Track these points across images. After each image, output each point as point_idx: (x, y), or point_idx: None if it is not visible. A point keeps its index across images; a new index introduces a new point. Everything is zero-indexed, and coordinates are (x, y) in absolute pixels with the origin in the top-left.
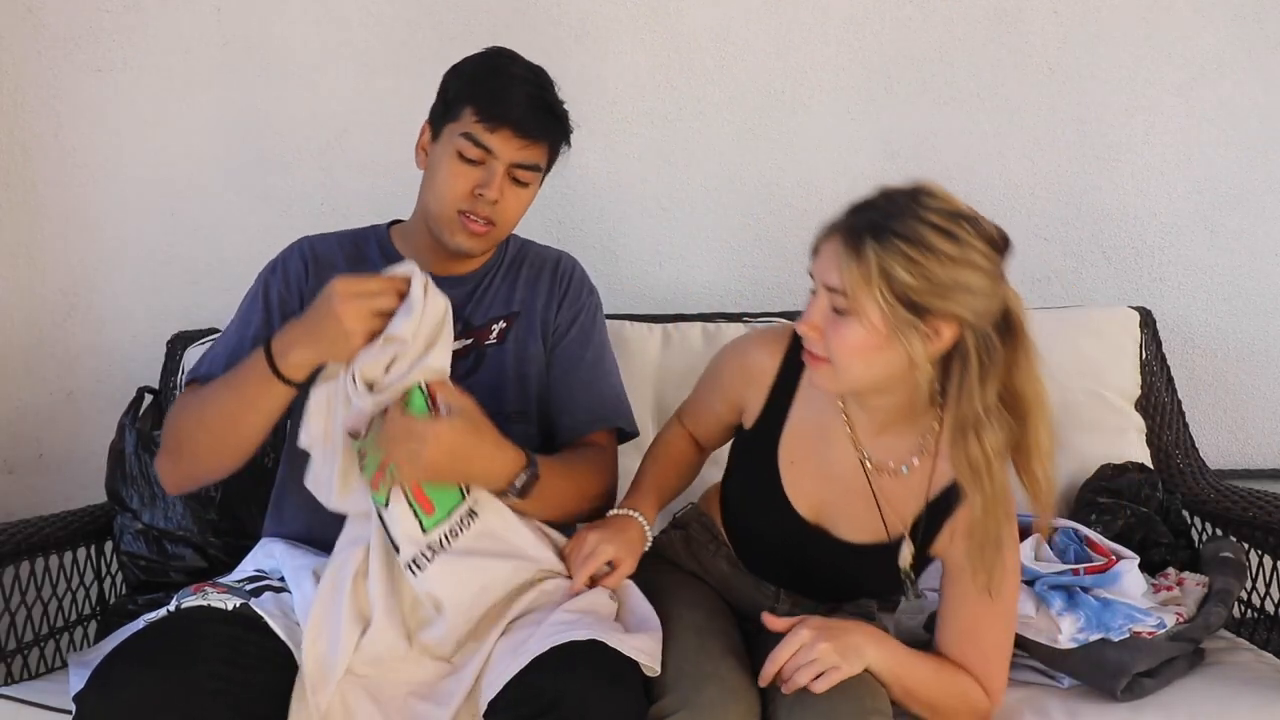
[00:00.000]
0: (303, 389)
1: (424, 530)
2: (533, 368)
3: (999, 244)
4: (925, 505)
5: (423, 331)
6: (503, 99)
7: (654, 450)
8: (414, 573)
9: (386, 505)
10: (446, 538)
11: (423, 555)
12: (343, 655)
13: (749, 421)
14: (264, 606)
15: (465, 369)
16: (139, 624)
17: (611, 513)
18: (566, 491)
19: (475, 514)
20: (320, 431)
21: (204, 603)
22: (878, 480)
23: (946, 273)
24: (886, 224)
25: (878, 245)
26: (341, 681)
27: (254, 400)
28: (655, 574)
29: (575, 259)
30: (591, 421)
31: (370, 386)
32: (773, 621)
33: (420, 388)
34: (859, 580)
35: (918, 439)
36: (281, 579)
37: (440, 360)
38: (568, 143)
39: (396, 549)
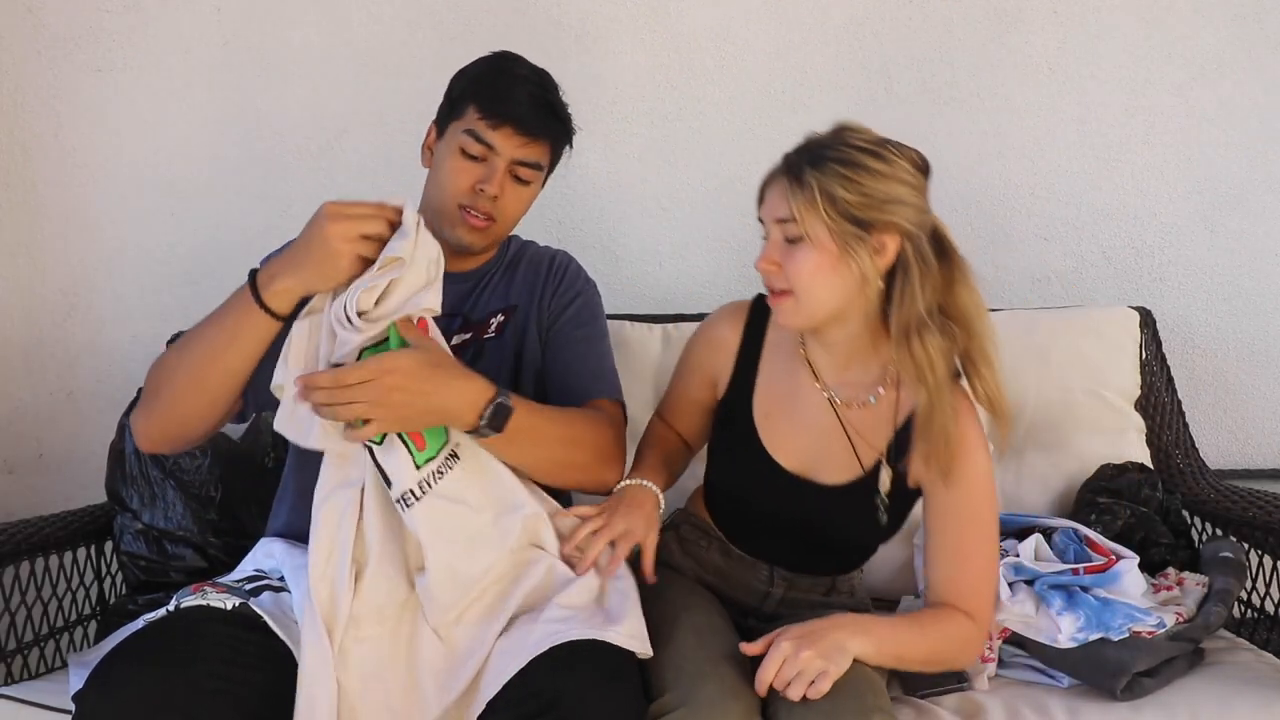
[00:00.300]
0: (287, 325)
1: (416, 466)
2: (530, 358)
3: (921, 165)
4: (894, 432)
5: (419, 258)
6: (506, 97)
7: (645, 439)
8: (404, 508)
9: (380, 443)
10: (434, 476)
11: (411, 493)
12: (346, 597)
13: (721, 390)
14: (263, 606)
15: (465, 361)
16: (138, 624)
17: (620, 485)
18: (551, 434)
19: (457, 455)
20: (299, 367)
21: (203, 602)
22: (847, 415)
23: (879, 186)
24: (821, 154)
25: (816, 171)
26: (348, 652)
27: (235, 333)
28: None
29: (572, 256)
30: (587, 391)
31: (360, 315)
32: (748, 647)
33: (395, 331)
34: (847, 531)
35: (879, 370)
36: (281, 579)
37: (432, 300)
38: (570, 144)
39: (389, 484)
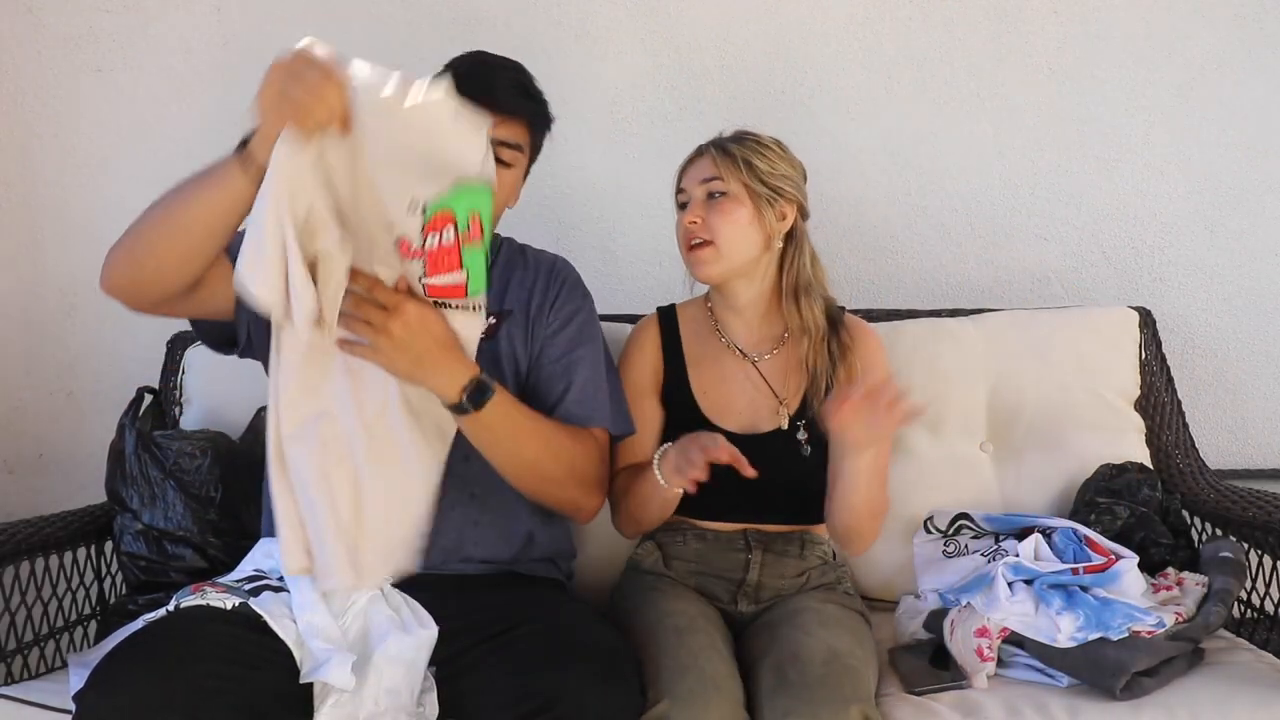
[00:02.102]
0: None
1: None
2: (521, 367)
3: (803, 170)
4: (805, 375)
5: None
6: (480, 82)
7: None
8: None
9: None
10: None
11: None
12: None
13: (661, 383)
14: (263, 606)
15: None
16: (138, 624)
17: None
18: (529, 432)
19: None
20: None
21: (203, 602)
22: (763, 367)
23: (785, 165)
24: (738, 137)
25: (739, 145)
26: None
27: (212, 177)
28: (636, 585)
29: (571, 264)
30: (587, 416)
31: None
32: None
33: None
34: (791, 469)
35: (781, 323)
36: (280, 579)
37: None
38: (548, 127)
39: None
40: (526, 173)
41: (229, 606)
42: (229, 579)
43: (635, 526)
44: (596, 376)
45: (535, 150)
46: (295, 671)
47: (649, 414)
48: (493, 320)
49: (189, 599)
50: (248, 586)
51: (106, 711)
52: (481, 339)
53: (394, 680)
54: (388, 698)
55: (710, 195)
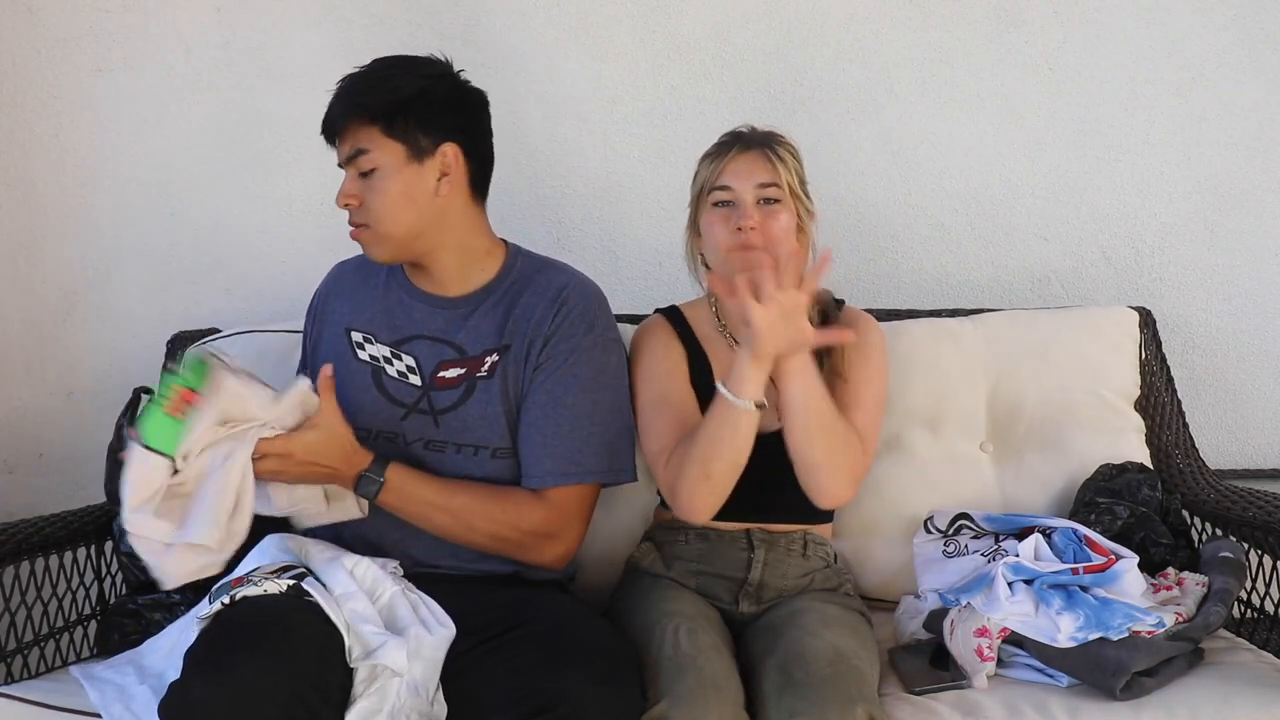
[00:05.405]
0: None
1: None
2: (513, 406)
3: None
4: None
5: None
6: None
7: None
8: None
9: None
10: None
11: None
12: None
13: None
14: (314, 588)
15: (455, 399)
16: (191, 622)
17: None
18: (437, 512)
19: None
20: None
21: (260, 591)
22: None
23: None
24: (777, 136)
25: (785, 149)
26: None
27: None
28: (636, 585)
29: (588, 290)
30: (545, 473)
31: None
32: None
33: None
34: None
35: None
36: (306, 568)
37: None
38: (380, 110)
39: None
40: (416, 157)
41: (282, 591)
42: (263, 570)
43: (708, 493)
44: (580, 429)
45: (403, 136)
46: (342, 653)
47: (686, 396)
48: (495, 357)
49: (244, 590)
50: (288, 575)
51: (217, 703)
52: (482, 375)
53: (413, 675)
54: (408, 691)
55: (763, 201)
